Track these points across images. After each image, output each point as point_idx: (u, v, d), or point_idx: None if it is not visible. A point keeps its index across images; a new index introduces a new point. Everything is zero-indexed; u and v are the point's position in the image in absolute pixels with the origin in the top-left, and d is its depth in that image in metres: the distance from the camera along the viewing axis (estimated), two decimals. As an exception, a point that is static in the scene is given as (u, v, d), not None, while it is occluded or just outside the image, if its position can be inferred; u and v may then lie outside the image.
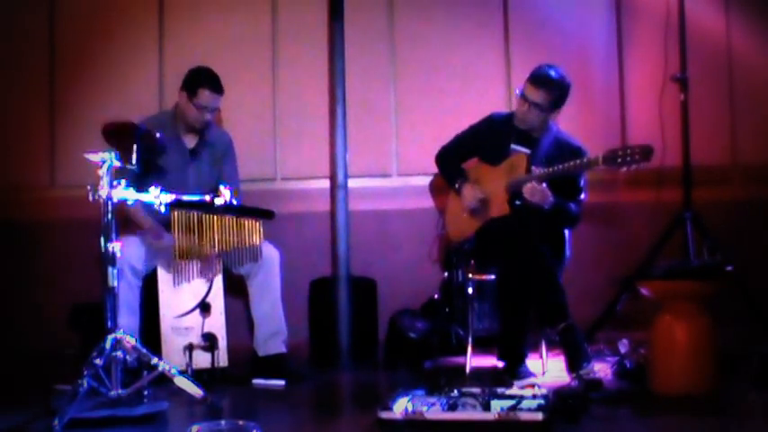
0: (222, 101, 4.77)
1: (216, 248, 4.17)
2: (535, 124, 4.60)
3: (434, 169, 5.00)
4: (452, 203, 4.86)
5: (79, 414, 3.61)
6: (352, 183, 5.25)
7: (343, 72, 5.15)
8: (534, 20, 5.89)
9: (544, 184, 4.38)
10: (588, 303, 5.16)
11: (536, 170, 4.43)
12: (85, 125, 5.64)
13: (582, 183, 4.61)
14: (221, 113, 5.33)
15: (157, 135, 4.12)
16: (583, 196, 4.61)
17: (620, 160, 4.21)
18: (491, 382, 4.09)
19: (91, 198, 3.81)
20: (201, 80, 4.67)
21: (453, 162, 4.84)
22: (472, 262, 4.78)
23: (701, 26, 5.71)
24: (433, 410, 3.56)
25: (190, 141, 4.79)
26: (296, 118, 5.87)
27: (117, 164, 3.83)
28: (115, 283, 3.83)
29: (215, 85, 4.68)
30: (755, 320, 5.11)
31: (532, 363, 4.51)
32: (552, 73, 4.51)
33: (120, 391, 3.74)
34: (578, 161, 4.36)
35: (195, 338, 4.55)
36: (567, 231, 4.60)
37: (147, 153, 4.00)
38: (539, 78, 4.51)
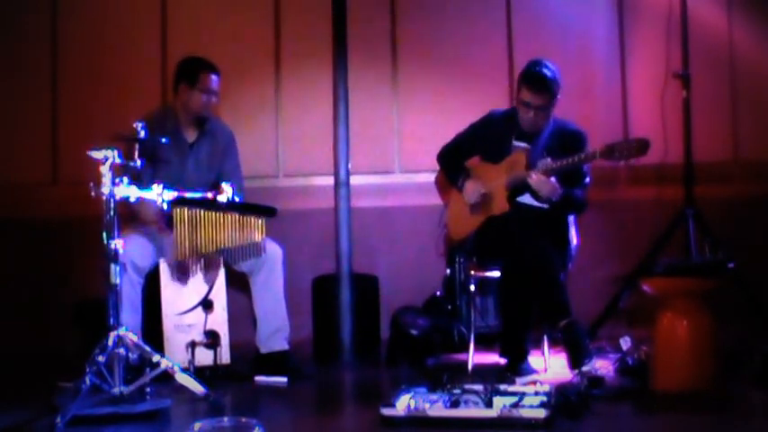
0: (224, 98, 4.78)
1: (217, 246, 4.16)
2: (545, 124, 4.61)
3: (436, 166, 5.00)
4: (454, 203, 4.86)
5: (82, 411, 3.62)
6: (354, 180, 5.25)
7: (345, 68, 5.15)
8: (537, 17, 5.88)
9: (553, 178, 4.38)
10: (590, 300, 5.16)
11: (539, 164, 4.43)
12: (88, 122, 5.66)
13: (585, 167, 4.60)
14: (223, 110, 5.33)
15: (163, 141, 4.18)
16: (587, 180, 4.63)
17: (617, 154, 4.28)
18: (493, 379, 4.09)
19: (93, 195, 3.82)
20: (199, 66, 4.72)
21: (455, 160, 4.84)
22: (474, 259, 4.79)
23: (702, 23, 5.71)
24: (436, 407, 3.57)
25: (190, 135, 4.80)
26: (298, 115, 5.87)
27: (119, 161, 3.84)
28: (117, 281, 3.84)
29: (212, 66, 4.74)
30: (757, 317, 5.11)
31: (535, 360, 4.52)
32: (546, 72, 4.50)
33: (122, 389, 3.75)
34: (577, 156, 4.37)
35: (197, 335, 4.56)
36: (570, 224, 4.61)
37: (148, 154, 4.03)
38: (538, 82, 4.50)
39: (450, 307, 5.26)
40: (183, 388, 3.95)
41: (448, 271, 5.35)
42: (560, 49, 5.68)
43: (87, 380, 3.66)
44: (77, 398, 3.63)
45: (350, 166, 5.18)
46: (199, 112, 4.73)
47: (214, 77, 4.72)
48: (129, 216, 4.55)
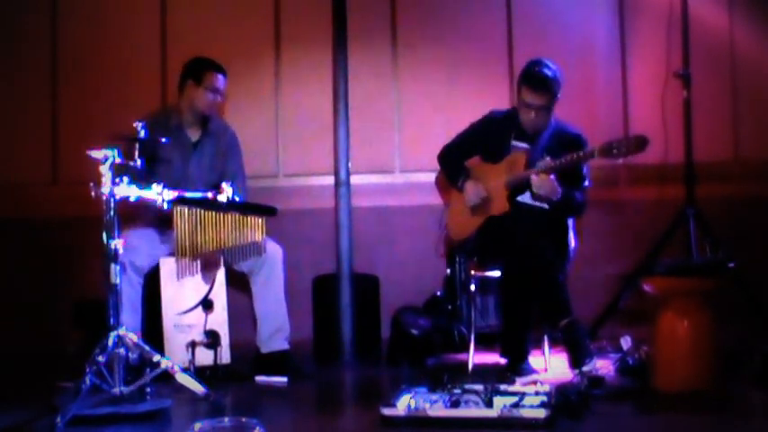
0: (225, 96, 4.81)
1: (217, 245, 4.16)
2: (546, 124, 4.60)
3: (436, 166, 5.00)
4: (454, 203, 4.85)
5: (82, 411, 3.62)
6: (354, 179, 5.25)
7: (345, 68, 5.15)
8: (537, 17, 5.88)
9: (552, 177, 4.39)
10: (591, 300, 5.16)
11: (539, 164, 4.44)
12: (88, 122, 5.66)
13: (585, 170, 4.61)
14: (224, 109, 5.33)
15: (163, 140, 4.18)
16: (587, 183, 4.63)
17: (615, 151, 4.28)
18: (494, 378, 4.09)
19: (93, 195, 3.82)
20: (206, 65, 4.76)
21: (455, 160, 4.84)
22: (474, 259, 4.79)
23: (703, 22, 5.70)
24: (436, 407, 3.57)
25: (193, 134, 4.81)
26: (298, 115, 5.86)
27: (119, 161, 3.84)
28: (117, 280, 3.84)
29: (220, 67, 4.78)
30: (757, 317, 5.10)
31: (535, 360, 4.52)
32: (546, 72, 4.50)
33: (122, 389, 3.75)
34: (575, 155, 4.37)
35: (198, 335, 4.55)
36: (570, 224, 4.61)
37: (149, 153, 4.04)
38: (538, 83, 4.49)
39: (450, 307, 5.26)
40: (183, 388, 3.95)
41: (448, 271, 5.35)
42: (560, 49, 5.67)
43: (87, 380, 3.66)
44: (77, 398, 3.63)
45: (350, 166, 5.18)
46: (204, 110, 4.74)
47: (221, 77, 4.75)
48: (129, 215, 4.55)
